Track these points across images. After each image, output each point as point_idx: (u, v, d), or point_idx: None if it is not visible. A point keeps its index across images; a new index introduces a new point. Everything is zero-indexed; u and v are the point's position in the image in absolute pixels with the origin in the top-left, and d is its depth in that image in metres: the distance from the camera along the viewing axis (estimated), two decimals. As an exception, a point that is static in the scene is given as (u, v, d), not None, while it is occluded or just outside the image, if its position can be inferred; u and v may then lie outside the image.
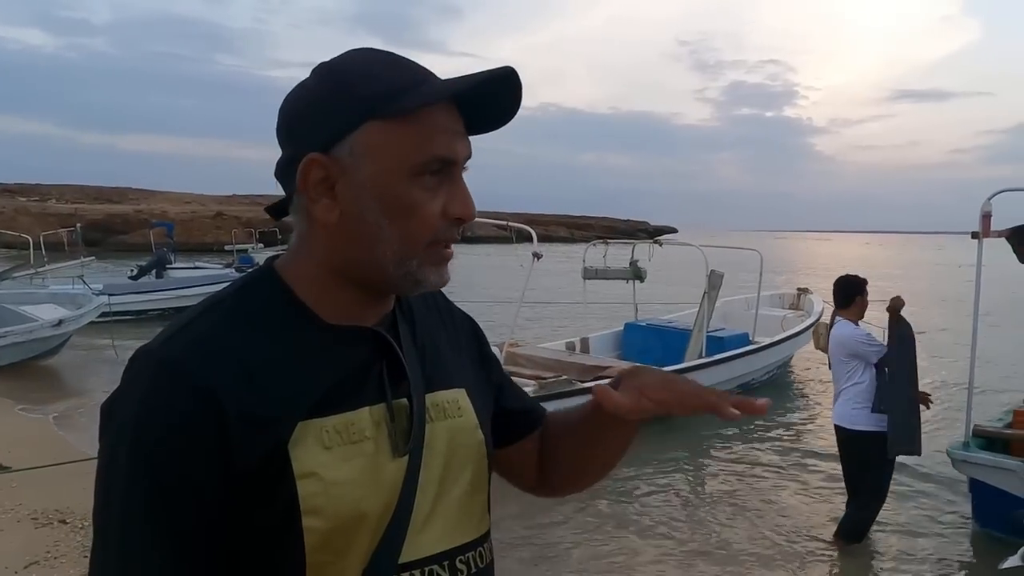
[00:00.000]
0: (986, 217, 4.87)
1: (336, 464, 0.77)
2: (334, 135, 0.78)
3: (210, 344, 0.77)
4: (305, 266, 0.84)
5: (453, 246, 0.83)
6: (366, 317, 0.85)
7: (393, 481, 0.80)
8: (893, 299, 4.65)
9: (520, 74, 0.81)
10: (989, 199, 4.89)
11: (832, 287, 4.93)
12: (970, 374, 5.16)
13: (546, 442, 1.05)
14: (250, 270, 0.90)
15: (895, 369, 4.54)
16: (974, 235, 4.97)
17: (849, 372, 4.72)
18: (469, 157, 0.84)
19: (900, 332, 4.56)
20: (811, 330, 10.44)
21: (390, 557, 0.79)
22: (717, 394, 0.83)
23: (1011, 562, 3.91)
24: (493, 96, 0.82)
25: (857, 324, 4.77)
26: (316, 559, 0.76)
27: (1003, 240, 5.08)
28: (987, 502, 4.83)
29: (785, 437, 7.82)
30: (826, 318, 11.06)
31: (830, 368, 4.99)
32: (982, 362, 5.37)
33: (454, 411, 0.89)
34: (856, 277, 4.84)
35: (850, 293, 4.77)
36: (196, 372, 0.74)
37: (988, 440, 5.05)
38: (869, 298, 4.89)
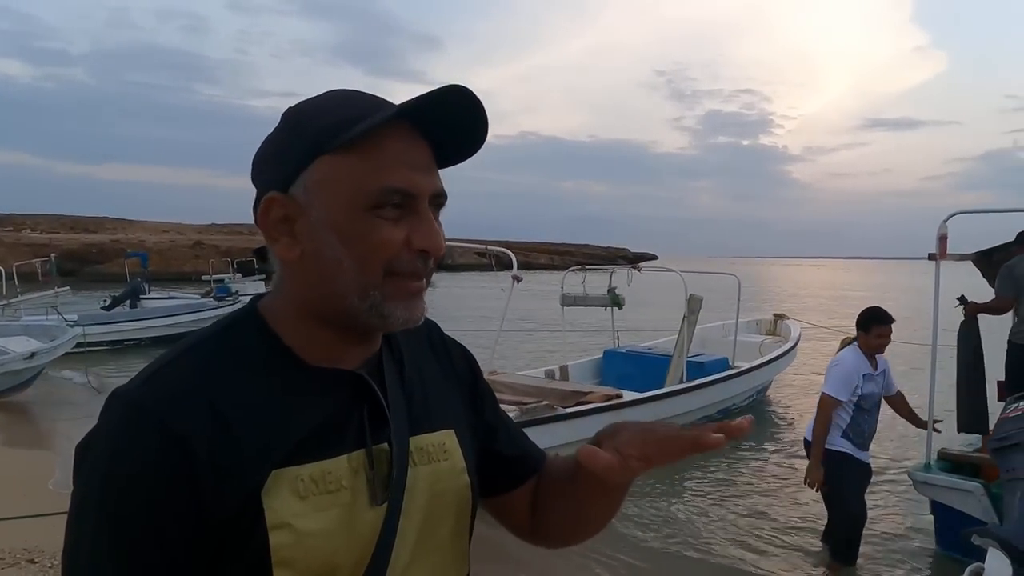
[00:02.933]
0: (942, 239, 4.98)
1: (310, 514, 0.75)
2: (289, 174, 0.79)
3: (186, 388, 0.75)
4: (283, 306, 0.84)
5: (433, 277, 0.82)
6: (349, 358, 0.84)
7: (370, 531, 0.79)
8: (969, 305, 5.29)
9: (477, 94, 0.78)
10: (944, 221, 5.01)
11: None
12: (930, 396, 5.23)
13: (540, 492, 1.00)
14: (235, 309, 0.88)
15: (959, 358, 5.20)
16: (931, 256, 5.08)
17: None
18: (439, 193, 0.82)
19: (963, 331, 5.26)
20: (789, 354, 10.56)
21: None
22: (695, 430, 0.78)
23: None
24: (453, 119, 0.80)
25: (860, 353, 4.76)
26: None
27: (968, 264, 5.21)
28: (949, 525, 4.83)
29: (770, 460, 7.85)
30: (803, 343, 11.21)
31: None
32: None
33: (439, 454, 0.87)
34: (872, 311, 4.81)
35: (860, 323, 4.81)
36: (168, 417, 0.73)
37: (956, 464, 5.07)
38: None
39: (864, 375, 4.72)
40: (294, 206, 0.79)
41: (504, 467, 0.99)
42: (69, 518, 0.75)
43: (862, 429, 4.76)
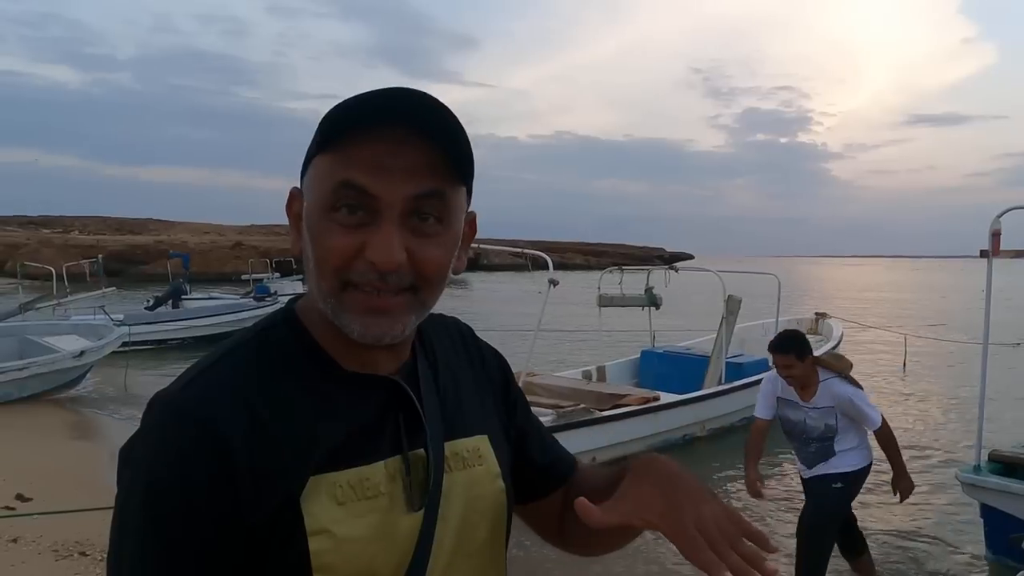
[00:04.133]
0: (995, 235, 4.84)
1: (349, 520, 0.75)
2: (302, 172, 0.81)
3: (225, 392, 0.76)
4: (313, 305, 0.82)
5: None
6: (383, 362, 0.83)
7: (408, 537, 0.78)
8: None
9: (426, 91, 0.74)
10: (998, 217, 4.87)
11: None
12: (980, 396, 5.12)
13: (571, 500, 0.99)
14: (273, 311, 0.88)
15: None
16: (983, 253, 4.94)
17: None
18: (420, 196, 0.75)
19: None
20: (832, 352, 10.32)
21: None
22: (720, 551, 0.71)
23: None
24: (422, 120, 0.75)
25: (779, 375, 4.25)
26: None
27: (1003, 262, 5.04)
28: (999, 529, 4.71)
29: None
30: (845, 343, 10.95)
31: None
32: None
33: (474, 460, 0.87)
34: (774, 338, 4.33)
35: None
36: (208, 421, 0.73)
37: (1008, 466, 4.93)
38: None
39: (779, 398, 4.26)
40: (303, 203, 0.81)
41: (535, 474, 0.98)
42: (113, 521, 0.75)
43: (799, 456, 4.35)
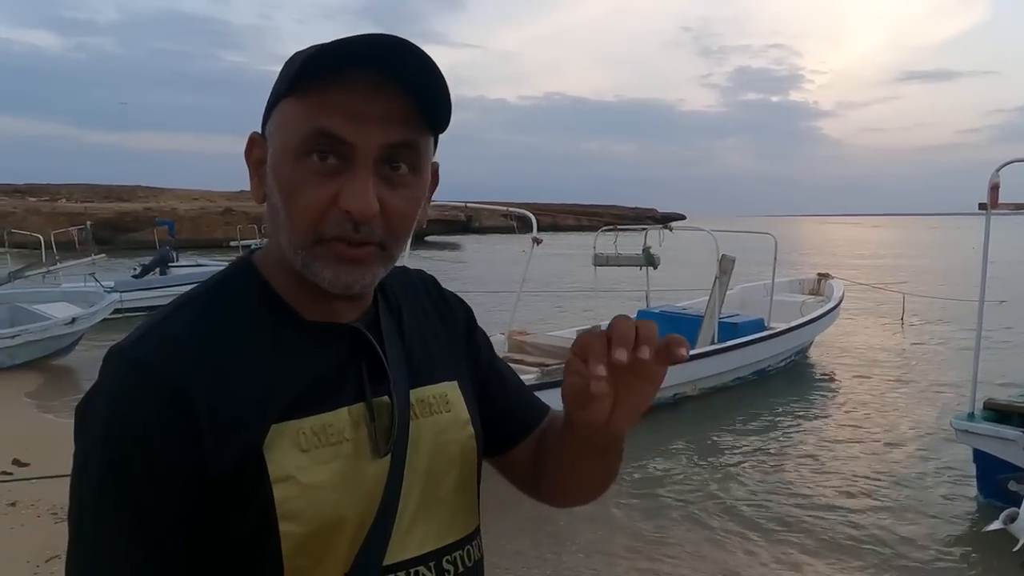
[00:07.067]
0: (994, 188, 4.88)
1: (313, 467, 0.75)
2: (265, 115, 0.79)
3: (182, 343, 0.74)
4: (272, 257, 0.81)
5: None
6: (344, 311, 0.82)
7: (374, 483, 0.78)
8: None
9: (411, 40, 0.71)
10: (997, 170, 4.92)
11: None
12: (976, 346, 5.23)
13: (540, 447, 0.97)
14: (228, 264, 0.87)
15: None
16: (981, 206, 4.97)
17: None
18: (395, 145, 0.74)
19: None
20: (831, 315, 10.36)
21: (373, 560, 0.77)
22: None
23: (994, 526, 3.96)
24: (401, 70, 0.72)
25: None
26: (294, 564, 0.74)
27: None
28: (990, 474, 4.86)
29: (804, 425, 7.78)
30: (846, 304, 10.97)
31: None
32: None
33: (441, 406, 0.86)
34: None
35: None
36: (167, 373, 0.72)
37: (1003, 414, 5.04)
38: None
39: None
40: (264, 147, 0.79)
41: (502, 420, 0.97)
42: (72, 480, 0.73)
43: None
